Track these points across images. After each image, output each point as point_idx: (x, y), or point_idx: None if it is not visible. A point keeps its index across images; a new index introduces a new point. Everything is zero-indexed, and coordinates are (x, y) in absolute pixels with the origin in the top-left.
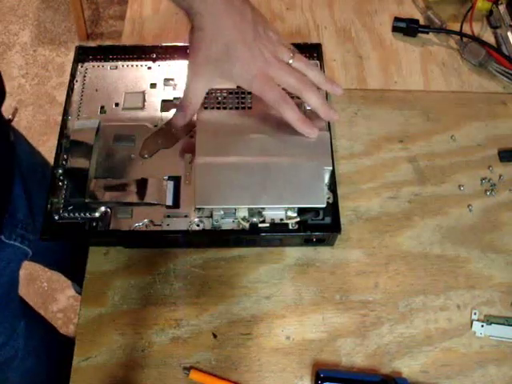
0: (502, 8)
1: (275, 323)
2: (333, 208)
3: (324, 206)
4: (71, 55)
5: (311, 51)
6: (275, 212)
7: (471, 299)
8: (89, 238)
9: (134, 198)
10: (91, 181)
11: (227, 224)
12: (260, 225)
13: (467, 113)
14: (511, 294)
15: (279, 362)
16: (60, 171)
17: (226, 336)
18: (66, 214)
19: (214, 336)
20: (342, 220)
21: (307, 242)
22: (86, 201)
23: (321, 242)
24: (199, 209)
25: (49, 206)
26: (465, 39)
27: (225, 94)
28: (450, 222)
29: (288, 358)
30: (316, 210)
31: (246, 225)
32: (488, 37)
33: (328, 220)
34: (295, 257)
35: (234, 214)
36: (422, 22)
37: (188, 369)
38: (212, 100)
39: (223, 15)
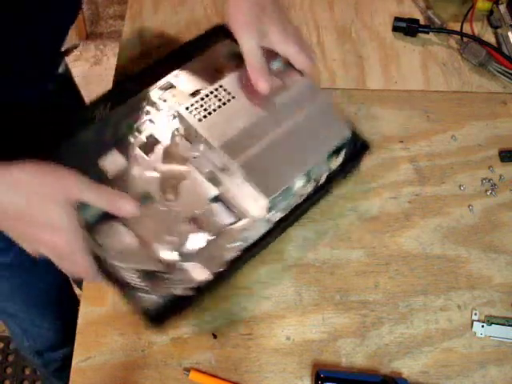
0: (502, 8)
1: (275, 323)
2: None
3: (350, 134)
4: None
5: None
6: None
7: (472, 299)
8: None
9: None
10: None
11: None
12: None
13: (467, 113)
14: (511, 295)
15: (279, 363)
16: None
17: (226, 336)
18: None
19: (214, 336)
20: (343, 220)
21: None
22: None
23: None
24: None
25: None
26: (465, 39)
27: (205, 93)
28: (451, 222)
29: (288, 358)
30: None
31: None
32: (488, 37)
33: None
34: (295, 257)
35: (292, 190)
36: (422, 21)
37: (188, 369)
38: (197, 106)
39: None
